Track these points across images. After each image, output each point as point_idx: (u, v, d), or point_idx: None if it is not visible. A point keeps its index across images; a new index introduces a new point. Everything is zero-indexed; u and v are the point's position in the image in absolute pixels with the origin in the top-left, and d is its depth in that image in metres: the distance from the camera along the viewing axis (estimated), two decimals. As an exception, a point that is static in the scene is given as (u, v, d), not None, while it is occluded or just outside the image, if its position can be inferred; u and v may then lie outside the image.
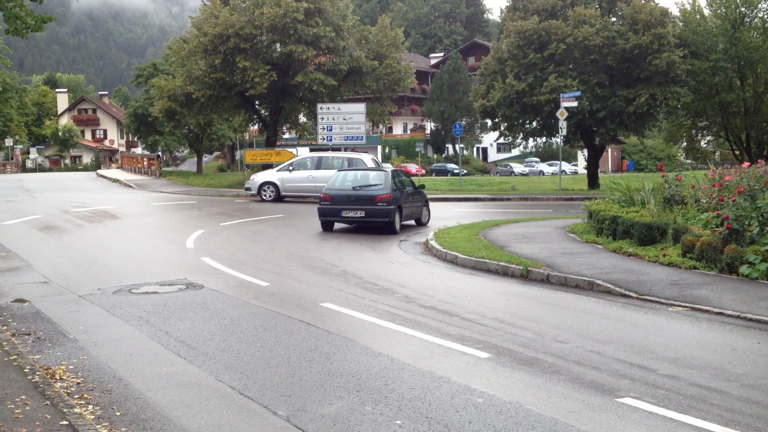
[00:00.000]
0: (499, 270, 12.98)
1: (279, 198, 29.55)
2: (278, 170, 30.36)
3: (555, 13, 35.35)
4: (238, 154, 72.09)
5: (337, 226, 19.41)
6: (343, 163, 28.65)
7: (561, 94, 32.67)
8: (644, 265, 12.54)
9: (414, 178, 22.86)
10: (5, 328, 8.82)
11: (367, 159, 29.04)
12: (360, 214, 18.54)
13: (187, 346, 8.18)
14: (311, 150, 78.72)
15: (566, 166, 67.93)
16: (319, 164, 29.63)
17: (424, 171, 66.52)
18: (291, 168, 29.96)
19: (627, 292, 10.70)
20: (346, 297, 10.79)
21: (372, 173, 20.22)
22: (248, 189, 30.56)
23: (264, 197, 29.60)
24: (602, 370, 7.23)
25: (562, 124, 33.17)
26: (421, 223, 20.65)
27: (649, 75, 32.59)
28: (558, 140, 37.57)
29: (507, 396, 6.49)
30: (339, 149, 36.73)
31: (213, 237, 17.81)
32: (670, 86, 32.61)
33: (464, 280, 12.44)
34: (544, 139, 42.67)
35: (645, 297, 10.41)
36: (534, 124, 36.95)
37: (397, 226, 18.75)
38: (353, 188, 19.14)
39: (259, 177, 30.58)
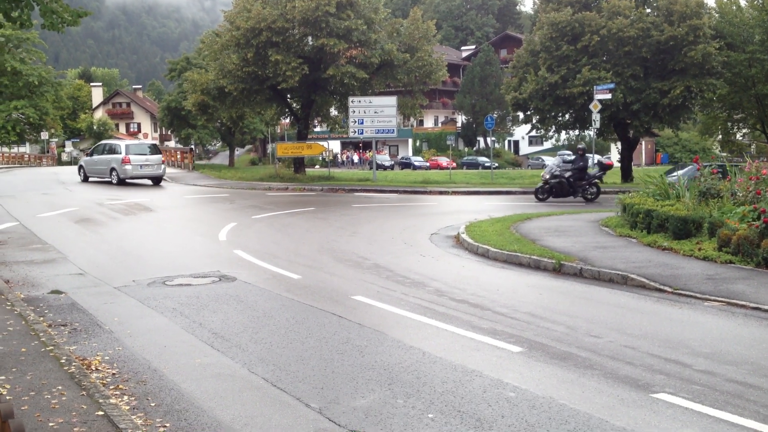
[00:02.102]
0: (531, 264, 12.90)
1: (86, 179, 34.71)
2: (86, 155, 36.16)
3: (588, 5, 35.02)
4: (269, 147, 72.43)
5: (369, 214, 19.44)
6: (126, 148, 34.06)
7: (594, 87, 32.36)
8: (679, 260, 12.40)
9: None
10: (42, 318, 8.96)
11: (153, 147, 35.65)
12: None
13: (221, 337, 8.24)
14: (342, 144, 79.26)
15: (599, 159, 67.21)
16: (107, 150, 34.74)
17: (454, 164, 66.33)
18: (92, 153, 35.54)
19: (662, 287, 10.59)
20: (377, 290, 10.80)
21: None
22: None
23: (81, 178, 35.05)
24: (637, 365, 7.16)
25: (596, 117, 32.85)
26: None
27: (684, 67, 32.17)
28: (591, 133, 37.24)
29: (540, 390, 6.45)
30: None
31: (245, 230, 17.92)
32: (705, 78, 32.17)
33: (496, 274, 12.39)
34: (576, 131, 42.35)
35: (680, 291, 10.29)
36: (567, 116, 36.68)
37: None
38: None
39: (81, 160, 36.92)
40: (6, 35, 47.40)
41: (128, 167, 32.95)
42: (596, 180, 26.12)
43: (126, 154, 33.21)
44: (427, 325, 8.75)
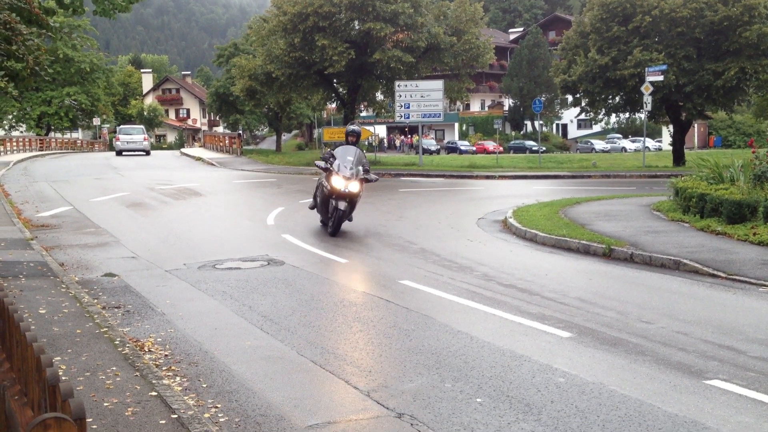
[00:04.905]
0: (581, 248, 12.76)
1: (120, 153, 47.06)
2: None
3: (640, -15, 34.33)
4: (316, 132, 72.70)
5: (416, 199, 19.40)
6: (119, 129, 51.16)
7: (646, 68, 31.79)
8: (733, 244, 12.15)
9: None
10: (96, 301, 9.14)
11: (139, 129, 50.92)
12: None
13: (270, 320, 8.32)
14: (388, 128, 79.24)
15: (650, 143, 66.14)
16: (121, 132, 49.63)
17: (501, 148, 65.85)
18: (117, 134, 49.16)
19: (715, 272, 10.39)
20: (424, 274, 10.79)
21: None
22: None
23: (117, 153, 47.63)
24: (689, 351, 7.04)
25: (647, 99, 32.28)
26: None
27: (738, 48, 31.39)
28: (642, 116, 36.65)
29: (590, 376, 6.39)
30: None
31: (293, 214, 18.04)
32: (760, 59, 31.38)
33: (544, 259, 12.29)
34: (627, 114, 41.74)
35: (734, 277, 10.09)
36: (617, 99, 36.13)
37: None
38: None
39: None
40: (59, 22, 48.31)
41: (118, 143, 48.00)
42: None
43: (118, 134, 49.26)
44: (474, 310, 8.72)
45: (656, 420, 5.45)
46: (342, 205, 14.04)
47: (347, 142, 15.18)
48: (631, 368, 6.61)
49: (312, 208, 15.75)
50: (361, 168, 14.53)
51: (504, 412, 5.65)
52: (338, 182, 14.02)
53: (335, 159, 14.45)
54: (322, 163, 14.59)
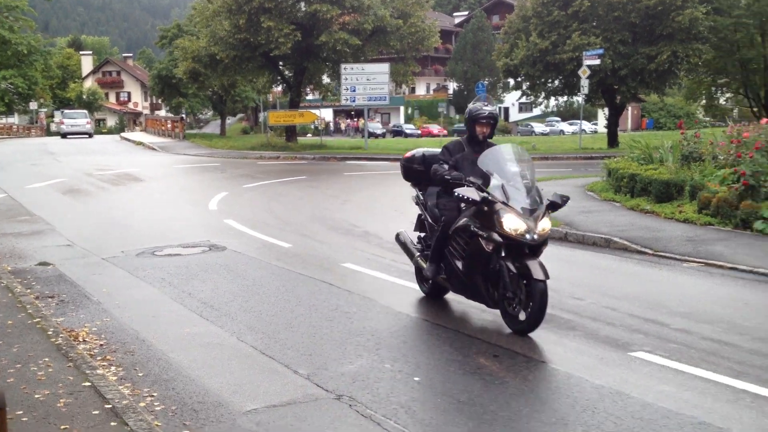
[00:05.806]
0: (518, 229, 13.00)
1: (64, 136, 51.92)
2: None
3: (579, -31, 34.75)
4: (261, 116, 72.07)
5: (361, 182, 19.50)
6: (62, 114, 58.18)
7: (584, 52, 32.27)
8: (661, 222, 12.57)
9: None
10: (29, 291, 8.99)
11: (82, 113, 58.15)
12: None
13: (210, 307, 8.33)
14: (334, 112, 78.99)
15: (586, 125, 67.16)
16: (65, 116, 55.77)
17: (446, 132, 66.19)
18: (62, 118, 55.91)
19: (643, 249, 10.77)
20: (367, 257, 10.90)
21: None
22: None
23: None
24: (617, 325, 7.31)
25: (584, 83, 32.80)
26: None
27: (671, 32, 32.05)
28: (579, 99, 37.21)
29: (522, 351, 6.59)
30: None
31: (236, 199, 17.97)
32: (691, 43, 32.05)
33: (483, 240, 12.48)
34: (565, 98, 42.27)
35: (660, 253, 10.47)
36: (556, 82, 36.59)
37: None
38: None
39: None
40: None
41: (63, 126, 53.86)
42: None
43: (63, 118, 55.93)
44: (415, 291, 8.83)
45: (583, 392, 5.66)
46: (538, 271, 6.87)
47: (471, 137, 7.95)
48: (562, 343, 6.84)
49: (431, 279, 8.35)
50: (540, 187, 7.70)
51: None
52: (517, 223, 7.03)
53: (482, 176, 7.44)
54: (472, 192, 7.17)
